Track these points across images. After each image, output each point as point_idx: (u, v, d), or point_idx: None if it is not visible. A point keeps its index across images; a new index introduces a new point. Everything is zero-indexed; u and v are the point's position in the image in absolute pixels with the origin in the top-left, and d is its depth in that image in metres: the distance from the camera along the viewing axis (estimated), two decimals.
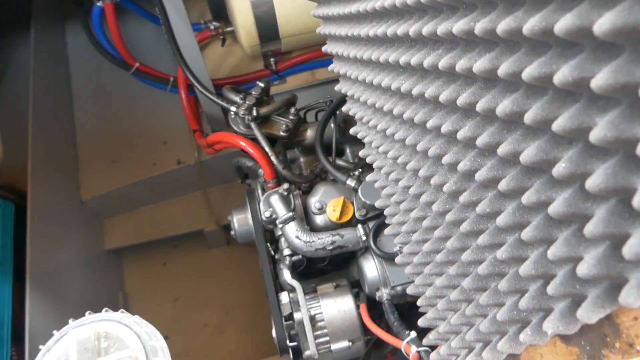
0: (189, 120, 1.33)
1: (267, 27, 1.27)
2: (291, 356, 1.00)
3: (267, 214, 1.03)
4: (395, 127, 0.58)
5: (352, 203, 1.03)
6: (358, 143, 1.02)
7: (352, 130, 0.82)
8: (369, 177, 0.79)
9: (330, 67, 0.87)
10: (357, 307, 1.00)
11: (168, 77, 1.38)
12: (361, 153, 0.80)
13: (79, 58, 1.60)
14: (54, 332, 0.70)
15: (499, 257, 0.39)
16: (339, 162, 1.12)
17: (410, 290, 0.70)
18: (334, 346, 0.97)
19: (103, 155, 1.50)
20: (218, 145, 1.16)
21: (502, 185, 0.37)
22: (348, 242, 0.99)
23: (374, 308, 1.00)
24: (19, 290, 1.10)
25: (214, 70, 1.50)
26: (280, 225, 1.01)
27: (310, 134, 1.17)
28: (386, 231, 0.76)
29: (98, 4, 1.25)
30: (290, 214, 1.00)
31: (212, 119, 1.45)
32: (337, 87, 0.83)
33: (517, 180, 0.37)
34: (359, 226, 0.99)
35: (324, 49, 0.81)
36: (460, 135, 0.42)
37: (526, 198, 0.35)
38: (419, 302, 0.63)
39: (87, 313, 0.73)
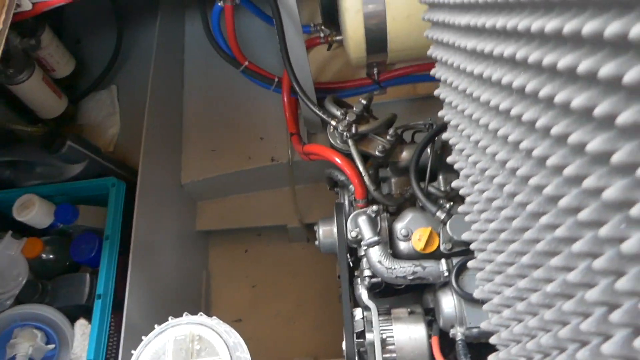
0: (288, 123, 1.38)
1: (376, 40, 1.27)
2: None
3: (354, 234, 1.05)
4: (496, 169, 0.58)
5: (439, 235, 1.03)
6: (452, 172, 1.01)
7: (449, 159, 0.82)
8: (460, 209, 0.78)
9: (436, 93, 0.86)
10: (429, 336, 1.01)
11: (273, 77, 1.43)
12: (454, 184, 0.79)
13: (194, 47, 1.70)
14: (155, 326, 0.78)
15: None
16: (430, 188, 1.11)
17: (484, 325, 0.70)
18: None
19: (204, 143, 1.60)
20: (313, 156, 1.20)
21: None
22: (429, 274, 1.00)
23: (444, 338, 1.00)
24: (121, 264, 1.22)
25: (317, 73, 1.53)
26: (364, 248, 1.03)
27: (405, 156, 1.16)
28: (469, 264, 0.75)
29: (219, 3, 1.31)
30: (376, 238, 1.02)
31: (309, 122, 1.49)
32: (440, 113, 0.83)
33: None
34: (443, 260, 0.99)
35: (428, 53, 0.80)
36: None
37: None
38: (492, 340, 0.63)
39: (184, 314, 0.79)
